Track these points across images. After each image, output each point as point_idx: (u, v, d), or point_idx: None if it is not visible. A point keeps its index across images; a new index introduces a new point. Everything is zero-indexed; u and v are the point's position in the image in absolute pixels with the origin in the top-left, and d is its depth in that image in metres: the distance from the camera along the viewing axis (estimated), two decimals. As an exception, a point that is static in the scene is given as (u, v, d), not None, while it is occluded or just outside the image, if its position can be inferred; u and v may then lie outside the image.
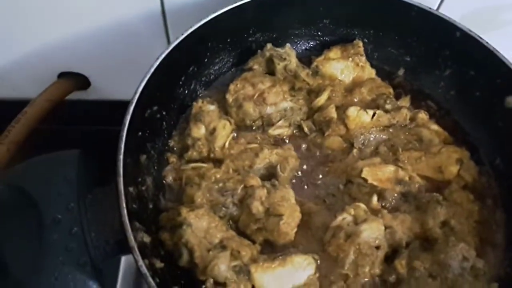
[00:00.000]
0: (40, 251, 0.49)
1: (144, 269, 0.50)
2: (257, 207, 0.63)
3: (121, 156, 0.57)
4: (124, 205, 0.53)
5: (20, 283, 0.48)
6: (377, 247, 0.61)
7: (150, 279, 0.49)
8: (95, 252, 0.52)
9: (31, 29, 0.89)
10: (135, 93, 0.62)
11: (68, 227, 0.51)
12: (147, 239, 0.57)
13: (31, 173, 0.54)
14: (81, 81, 0.99)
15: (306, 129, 0.75)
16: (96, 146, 0.64)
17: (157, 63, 0.65)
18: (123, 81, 1.00)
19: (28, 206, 0.51)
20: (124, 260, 0.62)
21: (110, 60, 0.95)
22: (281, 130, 0.75)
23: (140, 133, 0.64)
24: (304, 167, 0.73)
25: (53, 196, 0.52)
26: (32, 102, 0.91)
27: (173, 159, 0.71)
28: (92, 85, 1.01)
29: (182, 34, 0.68)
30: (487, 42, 0.73)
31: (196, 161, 0.70)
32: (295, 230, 0.63)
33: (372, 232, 0.62)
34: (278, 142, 0.75)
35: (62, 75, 0.98)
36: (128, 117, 0.59)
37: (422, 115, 0.77)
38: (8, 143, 0.84)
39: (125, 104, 1.03)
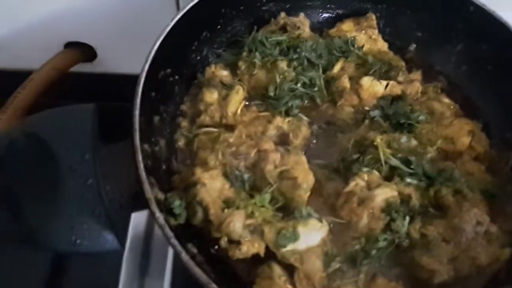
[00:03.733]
0: (56, 199, 0.49)
1: (161, 220, 0.50)
2: (270, 171, 0.62)
3: (137, 112, 0.56)
4: (140, 158, 0.53)
5: (37, 229, 0.47)
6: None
7: (168, 229, 0.49)
8: (109, 204, 0.52)
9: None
10: (150, 52, 0.62)
11: (83, 177, 0.51)
12: (161, 196, 0.57)
13: (48, 123, 0.53)
14: (88, 52, 0.98)
15: (318, 100, 0.75)
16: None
17: (172, 23, 0.64)
18: (130, 53, 0.99)
19: (45, 154, 0.51)
20: (133, 218, 0.61)
21: (118, 30, 0.94)
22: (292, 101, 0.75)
23: (153, 94, 0.64)
24: (315, 136, 0.73)
25: (69, 146, 0.52)
26: (38, 69, 0.91)
27: (184, 123, 0.70)
28: (98, 57, 1.00)
29: (198, -3, 0.67)
30: (500, 17, 0.73)
31: (207, 126, 0.69)
32: (308, 193, 0.62)
33: (386, 196, 0.61)
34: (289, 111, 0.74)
35: (68, 45, 0.97)
36: (144, 74, 0.59)
37: (433, 89, 0.77)
38: (14, 108, 0.83)
39: (130, 78, 1.03)
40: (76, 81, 0.98)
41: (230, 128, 0.69)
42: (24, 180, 0.50)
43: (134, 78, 1.03)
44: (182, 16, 0.64)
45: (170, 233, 0.49)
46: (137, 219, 0.72)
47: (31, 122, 0.52)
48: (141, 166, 0.52)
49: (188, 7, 0.65)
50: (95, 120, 0.54)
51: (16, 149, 0.51)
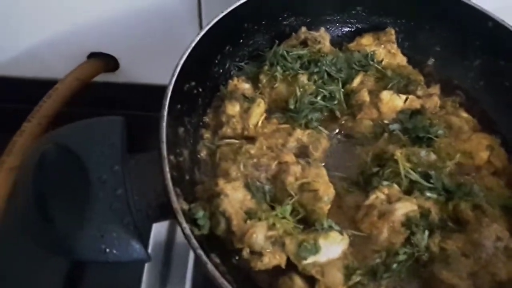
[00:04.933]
0: (86, 209, 0.50)
1: (188, 231, 0.51)
2: (291, 183, 0.64)
3: (164, 124, 0.58)
4: (167, 169, 0.54)
5: (67, 236, 0.49)
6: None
7: (194, 240, 0.50)
8: (137, 214, 0.53)
9: (62, 9, 0.91)
10: (176, 66, 0.64)
11: (113, 187, 0.52)
12: (185, 206, 0.58)
13: (77, 135, 0.55)
14: (111, 63, 1.01)
15: (337, 113, 0.76)
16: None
17: (197, 38, 0.66)
18: (152, 64, 1.02)
19: (75, 165, 0.52)
20: (155, 228, 0.63)
21: (140, 43, 0.97)
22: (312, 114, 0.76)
23: (179, 106, 0.65)
24: (334, 149, 0.74)
25: (99, 157, 0.53)
26: (62, 80, 0.93)
27: (207, 135, 0.72)
28: (120, 67, 1.02)
29: (221, 13, 0.69)
30: (519, 32, 0.74)
31: (229, 137, 0.71)
32: (329, 206, 0.63)
33: (406, 210, 0.62)
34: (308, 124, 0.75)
35: (91, 56, 1.00)
36: (171, 88, 0.61)
37: (452, 103, 0.78)
38: (39, 117, 0.85)
39: (151, 87, 1.05)
40: (98, 90, 1.01)
41: (251, 139, 0.71)
42: (55, 190, 0.51)
43: (156, 88, 1.05)
44: (206, 32, 0.65)
45: (196, 244, 0.50)
46: (159, 229, 0.74)
47: (61, 133, 0.54)
48: (168, 177, 0.54)
49: (212, 23, 0.67)
50: (123, 132, 0.55)
51: (48, 160, 0.52)
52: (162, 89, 1.03)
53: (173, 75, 0.62)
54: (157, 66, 1.01)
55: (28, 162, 0.52)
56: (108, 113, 1.12)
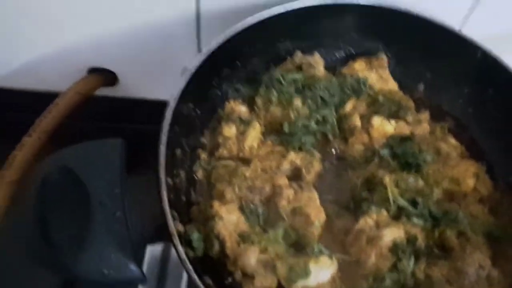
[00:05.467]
0: (86, 230, 0.52)
1: (183, 255, 0.53)
2: (284, 206, 0.66)
3: (163, 147, 0.60)
4: (165, 193, 0.56)
5: (66, 256, 0.50)
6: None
7: (189, 265, 0.52)
8: (134, 236, 0.55)
9: (63, 24, 0.92)
10: (178, 89, 0.65)
11: (112, 210, 0.54)
12: (181, 228, 0.60)
13: (79, 157, 0.57)
14: (110, 77, 1.02)
15: (330, 136, 0.78)
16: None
17: (198, 63, 0.68)
18: (150, 80, 1.04)
19: (76, 187, 0.54)
20: (149, 249, 0.65)
21: (140, 59, 0.98)
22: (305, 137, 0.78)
23: (177, 128, 0.67)
24: (326, 172, 0.76)
25: (100, 180, 0.55)
26: (62, 94, 0.94)
27: (204, 155, 0.74)
28: (120, 82, 1.04)
29: (221, 38, 0.71)
30: (507, 64, 0.77)
31: (225, 158, 0.73)
32: (320, 230, 0.66)
33: (394, 237, 0.64)
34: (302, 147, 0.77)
35: (91, 71, 1.01)
36: (171, 112, 0.63)
37: (441, 130, 0.81)
38: (39, 132, 0.87)
39: (149, 102, 1.07)
40: (97, 104, 1.02)
41: (246, 161, 0.73)
42: (57, 212, 0.53)
43: (152, 103, 1.08)
44: (207, 56, 0.68)
45: (190, 268, 0.52)
46: (153, 250, 0.76)
47: (64, 156, 0.56)
48: (166, 200, 0.56)
49: (212, 48, 0.69)
50: (123, 154, 0.57)
51: (50, 182, 0.54)
52: (159, 103, 1.05)
53: (172, 99, 0.64)
54: (154, 82, 1.03)
55: (31, 183, 0.54)
56: (105, 127, 1.14)
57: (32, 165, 0.85)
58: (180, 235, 0.59)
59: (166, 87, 0.95)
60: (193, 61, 0.69)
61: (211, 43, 0.71)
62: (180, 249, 0.53)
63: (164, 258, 0.73)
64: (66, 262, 0.51)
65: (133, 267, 0.52)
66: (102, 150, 0.57)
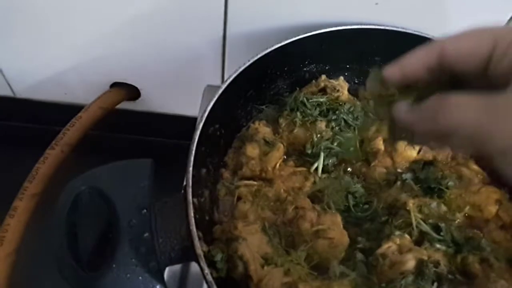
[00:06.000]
0: (114, 251, 0.53)
1: (210, 277, 0.53)
2: (307, 229, 0.66)
3: (191, 168, 0.60)
4: (192, 214, 0.57)
5: (95, 277, 0.51)
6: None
7: (215, 287, 0.52)
8: (161, 257, 0.55)
9: (91, 40, 0.94)
10: (205, 111, 0.66)
11: (140, 231, 0.55)
12: (205, 248, 0.61)
13: (108, 177, 0.58)
14: (132, 92, 1.04)
15: (352, 159, 0.78)
16: (141, 155, 0.68)
17: (224, 86, 0.69)
18: (171, 96, 1.05)
19: (106, 207, 0.55)
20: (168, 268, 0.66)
21: (162, 76, 1.00)
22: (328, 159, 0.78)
23: (203, 148, 0.68)
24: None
25: (129, 201, 0.56)
26: (86, 108, 0.96)
27: (227, 174, 0.74)
28: (141, 97, 1.06)
29: (248, 61, 0.72)
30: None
31: (248, 178, 0.74)
32: (343, 254, 0.66)
33: (416, 262, 0.64)
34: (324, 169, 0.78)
35: (114, 85, 1.03)
36: (198, 133, 0.64)
37: (463, 155, 0.80)
38: (62, 145, 0.88)
39: (170, 117, 1.08)
40: (118, 117, 1.04)
41: (269, 181, 0.74)
42: (86, 231, 0.54)
43: (172, 117, 1.09)
44: (233, 79, 0.69)
45: (217, 290, 0.52)
46: (172, 267, 0.76)
47: (95, 175, 0.57)
48: (193, 222, 0.56)
49: (238, 71, 0.70)
50: (152, 175, 0.58)
51: (80, 202, 0.55)
52: (179, 118, 1.06)
53: (200, 120, 0.65)
54: (175, 98, 1.05)
55: (63, 202, 0.55)
56: (127, 139, 1.16)
57: (53, 178, 0.87)
58: (205, 256, 0.59)
59: (186, 104, 0.97)
60: (220, 83, 0.70)
61: (238, 65, 0.72)
62: (207, 271, 0.53)
63: (183, 276, 0.74)
64: (93, 282, 0.51)
65: (159, 288, 0.53)
66: (133, 170, 0.58)
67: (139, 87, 1.03)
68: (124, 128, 1.11)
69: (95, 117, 0.96)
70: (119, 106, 1.04)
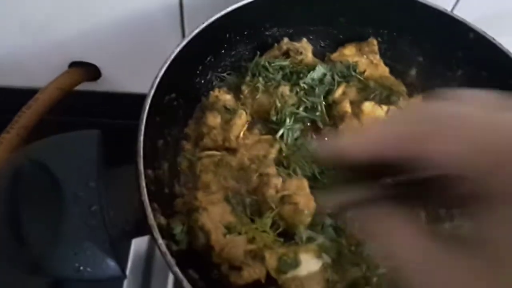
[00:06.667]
0: (60, 226, 0.49)
1: (164, 248, 0.50)
2: (272, 195, 0.63)
3: (141, 138, 0.57)
4: (143, 184, 0.53)
5: (41, 255, 0.48)
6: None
7: (170, 257, 0.49)
8: (113, 230, 0.52)
9: (43, 18, 0.89)
10: (155, 78, 0.63)
11: (87, 204, 0.51)
12: (163, 221, 0.57)
13: (52, 150, 0.54)
14: (92, 71, 0.99)
15: (320, 124, 0.75)
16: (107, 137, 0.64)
17: (178, 50, 0.65)
18: (134, 73, 1.01)
19: (49, 181, 0.51)
20: (134, 243, 0.62)
21: (122, 51, 0.95)
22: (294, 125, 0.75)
23: (158, 118, 0.64)
24: (317, 160, 0.73)
25: (74, 173, 0.52)
26: (42, 89, 0.91)
27: (188, 146, 0.71)
28: (102, 76, 1.01)
29: (203, 23, 0.68)
30: (500, 44, 0.74)
31: (210, 149, 0.70)
32: (309, 219, 0.63)
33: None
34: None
35: (73, 65, 0.98)
36: (149, 100, 0.60)
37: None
38: (18, 128, 0.84)
39: (133, 96, 1.04)
40: (79, 99, 0.99)
41: (233, 151, 0.70)
42: (29, 207, 0.50)
43: (137, 97, 1.04)
44: (187, 43, 0.65)
45: (172, 261, 0.49)
46: (138, 244, 0.73)
47: (36, 148, 0.53)
48: (145, 192, 0.53)
49: (193, 34, 0.66)
50: (100, 146, 0.54)
51: (21, 176, 0.51)
52: (143, 97, 1.02)
53: (151, 87, 0.61)
54: (138, 75, 1.00)
55: (1, 179, 0.51)
56: (88, 122, 1.11)
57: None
58: (162, 228, 0.56)
59: (151, 80, 0.92)
60: (174, 48, 0.66)
61: (193, 29, 0.68)
62: (161, 241, 0.50)
63: (149, 254, 0.71)
64: (40, 260, 0.48)
65: (111, 262, 0.49)
66: (78, 142, 0.55)
67: (99, 66, 0.98)
68: (86, 110, 1.06)
69: (52, 98, 0.91)
70: (79, 88, 0.99)
